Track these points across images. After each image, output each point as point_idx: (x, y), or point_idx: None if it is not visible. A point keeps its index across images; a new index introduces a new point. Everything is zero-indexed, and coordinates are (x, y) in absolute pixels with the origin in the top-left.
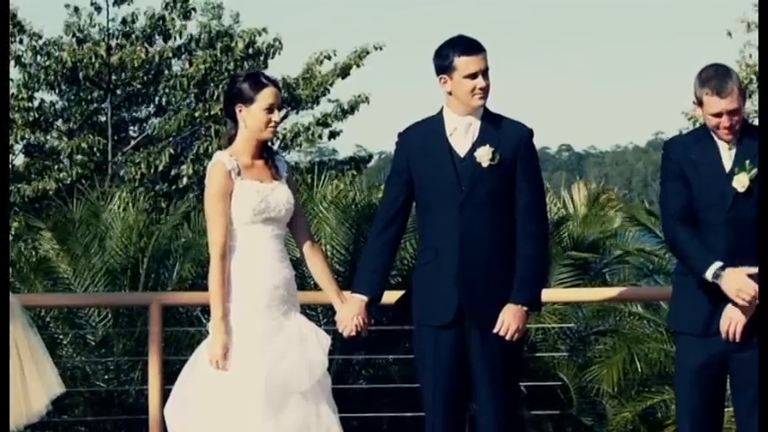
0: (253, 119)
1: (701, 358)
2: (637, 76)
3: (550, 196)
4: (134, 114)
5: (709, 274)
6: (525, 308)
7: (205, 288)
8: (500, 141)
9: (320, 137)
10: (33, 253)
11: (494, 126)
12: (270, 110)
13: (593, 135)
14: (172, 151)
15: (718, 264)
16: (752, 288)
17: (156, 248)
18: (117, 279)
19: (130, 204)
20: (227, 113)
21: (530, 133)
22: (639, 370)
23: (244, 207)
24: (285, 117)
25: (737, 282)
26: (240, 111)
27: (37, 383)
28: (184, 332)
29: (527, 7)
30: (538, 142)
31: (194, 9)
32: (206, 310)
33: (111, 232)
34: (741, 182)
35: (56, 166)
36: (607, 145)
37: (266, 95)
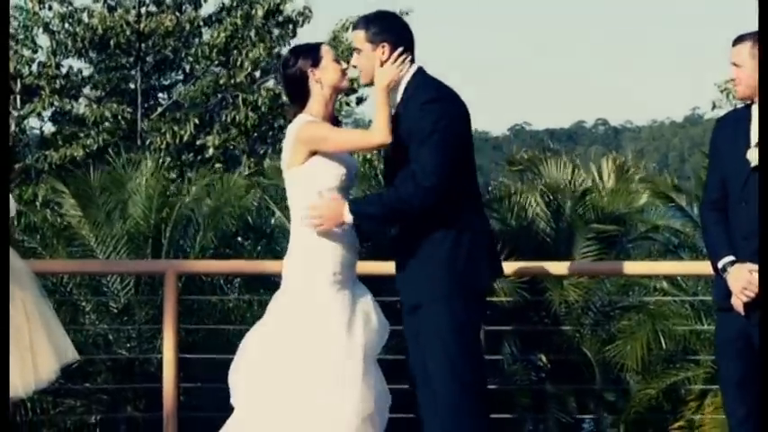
0: (328, 72)
1: (729, 332)
2: (674, 50)
3: (578, 170)
4: (163, 82)
5: (719, 267)
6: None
7: (226, 257)
8: None
9: (348, 104)
10: (58, 219)
11: None
12: (337, 60)
13: (629, 109)
14: (197, 121)
15: (728, 258)
16: (755, 286)
17: (179, 217)
18: (140, 247)
19: (154, 173)
20: (294, 94)
21: None
22: (664, 346)
23: (329, 173)
24: None
25: (741, 279)
26: (313, 73)
27: (47, 350)
28: (206, 301)
29: None
30: (574, 116)
31: None
32: (228, 279)
33: (134, 200)
34: (754, 156)
35: (83, 134)
36: (644, 119)
37: (327, 50)
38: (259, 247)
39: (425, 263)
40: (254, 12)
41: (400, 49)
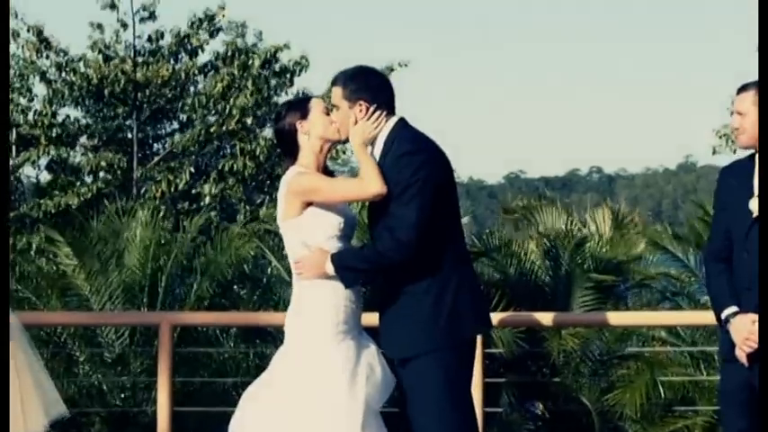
0: (315, 124)
1: (733, 383)
2: (668, 98)
3: (573, 218)
4: (158, 131)
5: (723, 317)
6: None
7: (222, 308)
8: None
9: (344, 152)
10: (53, 268)
11: None
12: (327, 112)
13: (623, 157)
14: (192, 169)
15: (731, 309)
16: (756, 337)
17: (175, 266)
18: (135, 297)
19: (149, 221)
20: (284, 147)
21: None
22: (663, 395)
23: (325, 223)
24: None
25: (743, 330)
26: (300, 125)
27: (35, 403)
28: (202, 352)
29: (557, 31)
30: (569, 164)
31: (221, 28)
32: (223, 330)
33: (130, 249)
34: (755, 206)
35: (78, 182)
36: (637, 167)
37: (316, 102)
38: (255, 297)
39: (409, 318)
40: (251, 61)
41: (371, 109)
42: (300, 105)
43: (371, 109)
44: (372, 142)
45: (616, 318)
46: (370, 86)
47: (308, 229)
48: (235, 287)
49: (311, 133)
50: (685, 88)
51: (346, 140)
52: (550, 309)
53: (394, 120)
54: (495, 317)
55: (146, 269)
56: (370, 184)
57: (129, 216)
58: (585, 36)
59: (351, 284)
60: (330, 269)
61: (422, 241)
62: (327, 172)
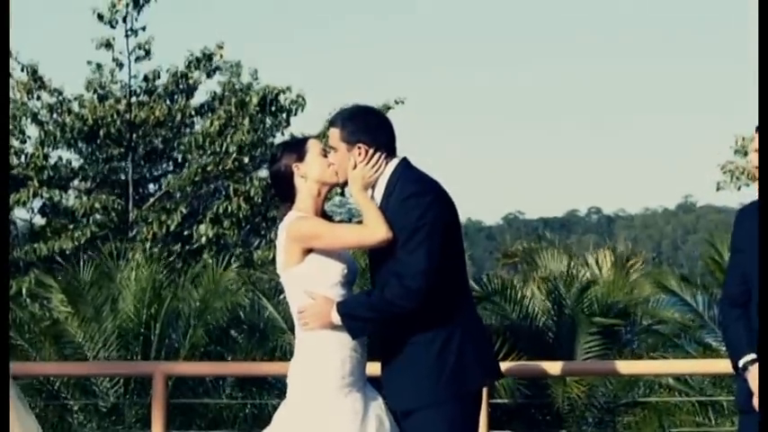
0: (312, 167)
1: None
2: (667, 139)
3: (576, 261)
4: (154, 173)
5: (740, 365)
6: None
7: (216, 356)
8: None
9: (342, 194)
10: (46, 314)
11: None
12: (324, 154)
13: (622, 197)
14: (184, 210)
15: (749, 356)
16: None
17: (169, 313)
18: (129, 344)
19: (143, 266)
20: (279, 191)
21: None
22: None
23: (329, 270)
24: None
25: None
26: (297, 168)
27: None
28: (200, 402)
29: (555, 71)
30: (568, 204)
31: (218, 68)
32: (217, 379)
33: (124, 295)
34: None
35: (73, 226)
36: (637, 207)
37: (313, 143)
38: (251, 344)
39: (413, 368)
40: (248, 99)
41: (371, 152)
42: (297, 147)
43: (371, 151)
44: (372, 185)
45: (627, 367)
46: (369, 127)
47: (310, 278)
48: (232, 331)
49: (308, 176)
50: (684, 128)
51: (345, 183)
52: (554, 354)
53: (396, 161)
54: (501, 366)
55: (140, 315)
56: (377, 230)
57: (122, 260)
58: (583, 76)
59: (358, 335)
60: (336, 318)
61: (432, 288)
62: (326, 216)
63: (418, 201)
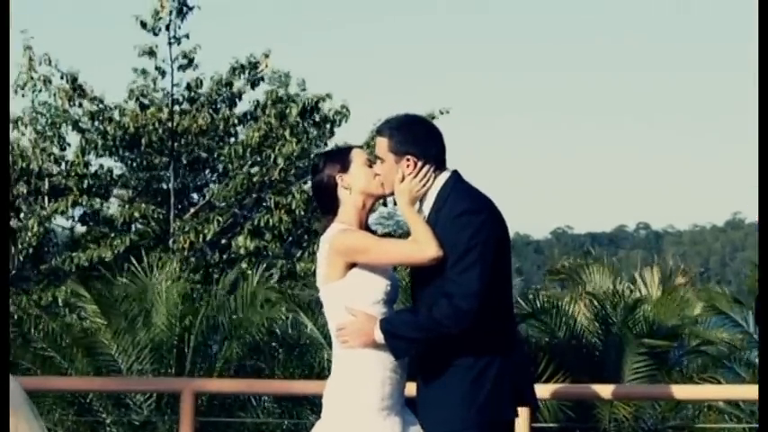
0: (357, 178)
1: None
2: (716, 154)
3: (622, 277)
4: (197, 182)
5: None
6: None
7: (252, 371)
8: None
9: (385, 204)
10: (80, 325)
11: None
12: (369, 164)
13: (671, 213)
14: (220, 218)
15: None
16: None
17: (203, 325)
18: (163, 357)
19: (176, 277)
20: (322, 203)
21: None
22: None
23: (372, 286)
24: None
25: None
26: (341, 179)
27: None
28: (234, 420)
29: (606, 86)
30: (616, 219)
31: (263, 78)
32: (256, 397)
33: (156, 307)
34: None
35: (113, 234)
36: (685, 224)
37: (357, 153)
38: (289, 359)
39: (447, 391)
40: (288, 110)
41: (420, 165)
42: (340, 156)
43: (419, 164)
44: (420, 199)
45: (682, 391)
46: (418, 139)
47: (351, 293)
48: (268, 348)
49: (353, 187)
50: (734, 144)
51: (390, 194)
52: (600, 374)
53: (446, 174)
54: (548, 389)
55: (173, 328)
56: (427, 247)
57: (157, 270)
58: (634, 90)
59: (402, 355)
60: (379, 337)
61: (482, 310)
62: (369, 229)
63: (471, 218)
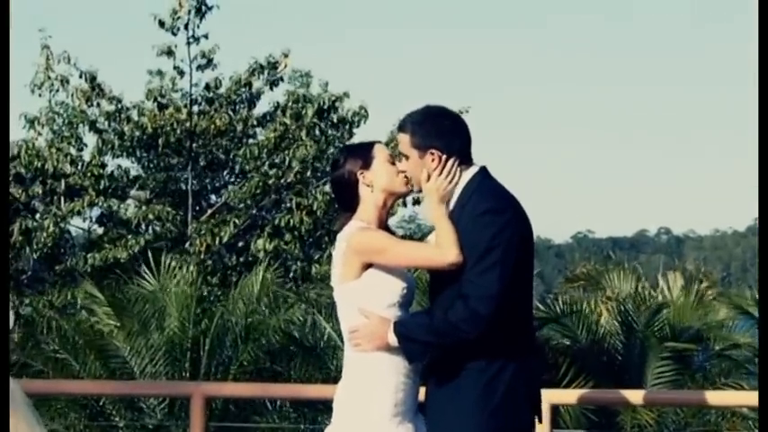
0: (380, 175)
1: None
2: (737, 161)
3: (645, 282)
4: (215, 183)
5: None
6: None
7: (268, 375)
8: None
9: (404, 204)
10: (93, 327)
11: None
12: (392, 161)
13: (692, 218)
14: (237, 221)
15: None
16: None
17: (218, 328)
18: (177, 360)
19: (190, 279)
20: (341, 199)
21: None
22: None
23: (387, 288)
24: None
25: None
26: (362, 175)
27: None
28: (248, 426)
29: (627, 92)
30: (637, 224)
31: (282, 78)
32: (272, 400)
33: (169, 311)
34: None
35: (130, 236)
36: (706, 229)
37: (380, 149)
38: (306, 363)
39: (459, 395)
40: (304, 111)
41: (447, 160)
42: (362, 152)
43: (444, 158)
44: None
45: (706, 397)
46: (442, 132)
47: (366, 295)
48: (286, 351)
49: (375, 185)
50: (755, 150)
51: (416, 192)
52: (622, 379)
53: (473, 169)
54: (574, 394)
55: (186, 331)
56: (448, 251)
57: (171, 273)
58: (655, 96)
59: (416, 359)
60: (393, 340)
61: (499, 314)
62: (388, 229)
63: (494, 218)
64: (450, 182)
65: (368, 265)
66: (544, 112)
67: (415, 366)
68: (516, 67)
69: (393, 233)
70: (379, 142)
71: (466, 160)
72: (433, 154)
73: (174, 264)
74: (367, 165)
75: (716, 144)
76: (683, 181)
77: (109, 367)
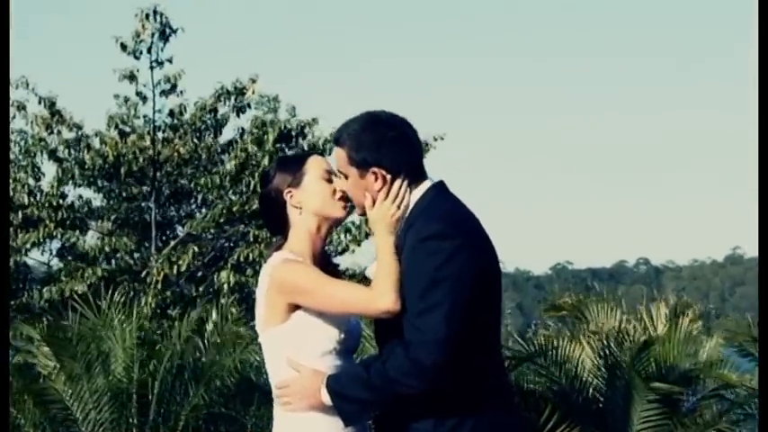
0: (311, 194)
1: None
2: (715, 190)
3: (628, 315)
4: (181, 214)
5: None
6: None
7: (223, 421)
8: None
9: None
10: (30, 369)
11: None
12: (328, 178)
13: (670, 248)
14: (195, 249)
15: None
16: None
17: (168, 370)
18: (124, 406)
19: (145, 314)
20: (269, 221)
21: None
22: None
23: (320, 334)
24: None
25: None
26: (290, 195)
27: None
28: None
29: (604, 122)
30: (616, 255)
31: (249, 105)
32: None
33: (114, 350)
34: None
35: (90, 269)
36: (685, 259)
37: (314, 163)
38: (263, 408)
39: None
40: (266, 137)
41: (394, 179)
42: (292, 165)
43: (390, 178)
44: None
45: None
46: (385, 145)
47: (296, 341)
48: (243, 397)
49: (304, 206)
50: (732, 179)
51: (358, 214)
52: (605, 424)
53: (425, 185)
54: None
55: (130, 373)
56: (383, 297)
57: (120, 308)
58: (632, 126)
59: (352, 420)
60: (325, 398)
61: (450, 361)
62: (327, 260)
63: (440, 244)
64: (399, 206)
65: (296, 306)
66: (521, 141)
67: (358, 428)
68: (493, 94)
69: (333, 265)
70: (318, 154)
71: (417, 175)
72: (375, 173)
73: (121, 299)
74: (297, 182)
75: (694, 174)
76: (661, 211)
77: (50, 414)
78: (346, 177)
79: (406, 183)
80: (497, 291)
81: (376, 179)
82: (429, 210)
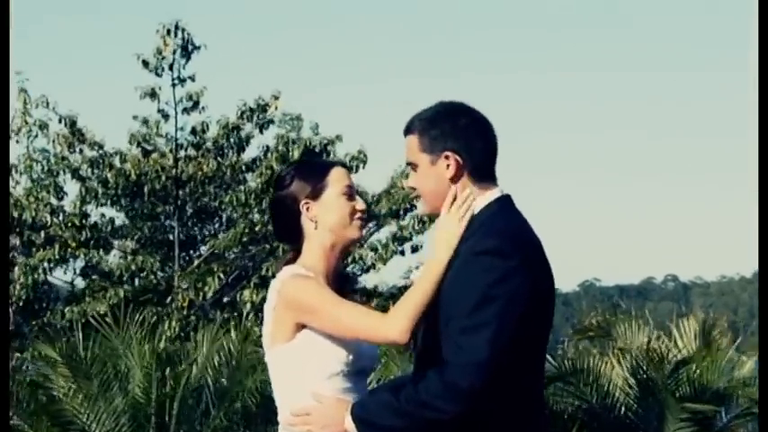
0: (329, 210)
1: None
2: (743, 205)
3: (659, 333)
4: (205, 233)
5: None
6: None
7: None
8: None
9: (401, 253)
10: (47, 389)
11: None
12: (350, 195)
13: (698, 265)
14: (221, 276)
15: None
16: None
17: (187, 390)
18: (142, 427)
19: (168, 336)
20: (279, 229)
21: None
22: None
23: (326, 354)
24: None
25: None
26: (307, 207)
27: None
28: None
29: (633, 137)
30: (644, 271)
31: (272, 121)
32: None
33: (132, 372)
34: None
35: (113, 289)
36: (713, 275)
37: (337, 176)
38: None
39: None
40: (291, 154)
41: (466, 191)
42: (314, 175)
43: (462, 164)
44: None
45: None
46: (460, 131)
47: (302, 361)
48: (264, 418)
49: (320, 221)
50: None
51: (424, 212)
52: None
53: (493, 194)
54: None
55: (149, 394)
56: (393, 325)
57: (141, 329)
58: (660, 142)
59: None
60: (350, 427)
61: (489, 389)
62: (342, 278)
63: (495, 261)
64: (466, 213)
65: (303, 325)
66: (549, 157)
67: None
68: (517, 110)
69: (349, 285)
70: (342, 165)
71: (486, 175)
72: (448, 158)
73: (140, 318)
74: (316, 194)
75: (722, 190)
76: (688, 227)
77: None
78: (415, 169)
79: (473, 192)
80: (549, 314)
81: (448, 166)
82: (490, 223)
